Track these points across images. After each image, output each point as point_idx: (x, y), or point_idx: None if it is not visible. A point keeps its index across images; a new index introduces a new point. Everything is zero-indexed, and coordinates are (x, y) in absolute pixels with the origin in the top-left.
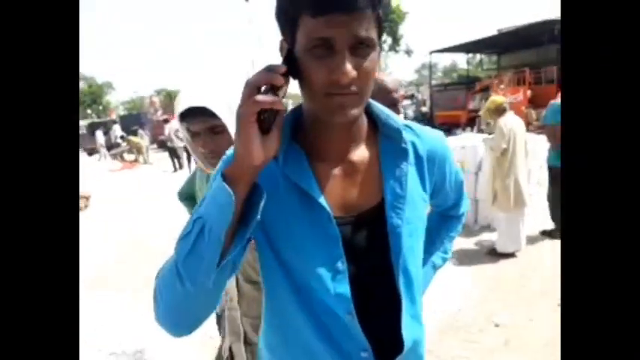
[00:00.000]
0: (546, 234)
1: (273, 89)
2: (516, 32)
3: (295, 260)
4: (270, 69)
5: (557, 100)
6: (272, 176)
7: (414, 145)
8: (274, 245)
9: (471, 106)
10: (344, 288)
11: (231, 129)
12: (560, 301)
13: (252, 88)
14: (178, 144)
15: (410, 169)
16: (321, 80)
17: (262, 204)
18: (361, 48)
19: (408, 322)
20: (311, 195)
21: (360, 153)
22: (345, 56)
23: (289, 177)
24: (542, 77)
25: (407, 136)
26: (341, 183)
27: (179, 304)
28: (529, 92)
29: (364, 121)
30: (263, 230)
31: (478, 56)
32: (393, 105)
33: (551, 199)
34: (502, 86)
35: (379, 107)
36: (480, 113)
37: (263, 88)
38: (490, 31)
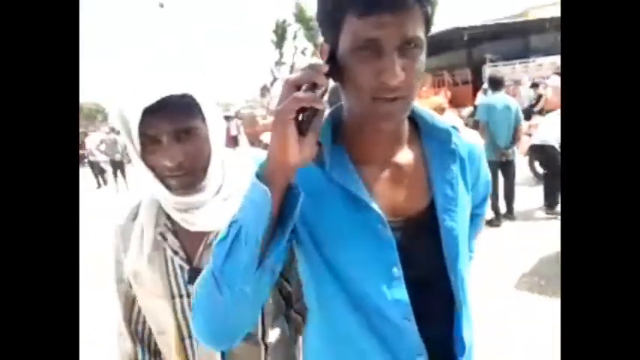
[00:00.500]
0: (487, 223)
1: (313, 89)
2: (430, 38)
3: (347, 267)
4: (312, 67)
5: (487, 100)
6: (317, 180)
7: (455, 145)
8: (323, 252)
9: None
10: (401, 294)
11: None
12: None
13: (292, 85)
14: (101, 157)
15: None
16: (369, 84)
17: (300, 204)
18: (410, 48)
19: (465, 326)
20: (362, 199)
21: (405, 155)
22: (393, 58)
23: (336, 181)
24: (458, 79)
25: (452, 137)
26: (388, 186)
27: (218, 313)
28: (449, 93)
29: (406, 121)
30: (310, 237)
31: None
32: None
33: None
34: (424, 88)
35: (420, 107)
36: None
37: (304, 87)
38: None
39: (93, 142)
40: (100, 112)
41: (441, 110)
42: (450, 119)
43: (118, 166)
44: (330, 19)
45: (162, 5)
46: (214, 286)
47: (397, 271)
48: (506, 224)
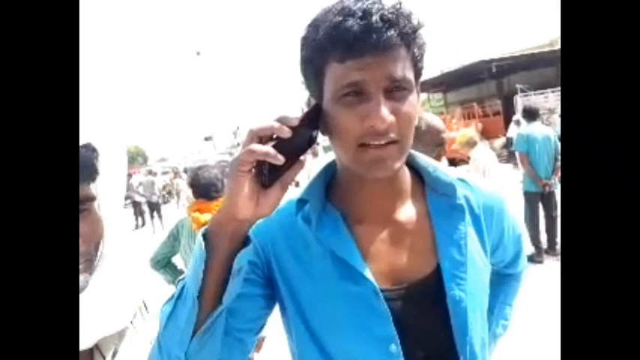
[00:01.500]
0: (528, 259)
1: (285, 143)
2: (458, 71)
3: (337, 342)
4: (280, 119)
5: (526, 130)
6: (304, 242)
7: (467, 200)
8: (310, 324)
9: None
10: None
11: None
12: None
13: (253, 135)
14: (140, 199)
15: (468, 229)
16: (354, 130)
17: (245, 252)
18: (397, 91)
19: None
20: (353, 266)
21: (406, 212)
22: (380, 101)
23: (325, 244)
24: (488, 111)
25: (460, 190)
26: (386, 249)
27: None
28: (480, 125)
29: (407, 173)
30: (295, 305)
31: (424, 95)
32: (441, 145)
33: (529, 221)
34: (454, 120)
35: (424, 158)
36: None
37: (274, 138)
38: (434, 72)
39: (134, 183)
40: (140, 154)
41: (472, 144)
42: (482, 154)
43: (155, 207)
44: (312, 67)
45: (198, 53)
46: (157, 351)
47: (395, 348)
48: (548, 261)
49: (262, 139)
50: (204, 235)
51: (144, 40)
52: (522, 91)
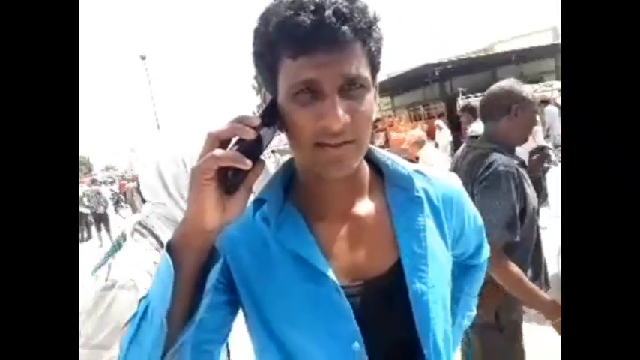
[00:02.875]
0: None
1: (247, 144)
2: (404, 75)
3: (299, 343)
4: (239, 120)
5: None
6: (263, 243)
7: (426, 192)
8: (270, 326)
9: (377, 144)
10: None
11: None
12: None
13: (213, 140)
14: (85, 210)
15: (427, 222)
16: (309, 129)
17: (216, 269)
18: (353, 89)
19: None
20: (314, 265)
21: (365, 207)
22: (335, 99)
23: (285, 244)
24: (433, 112)
25: (418, 183)
26: (346, 245)
27: None
28: (425, 126)
29: (366, 168)
30: (256, 308)
31: None
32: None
33: None
34: (402, 123)
35: (382, 152)
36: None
37: (233, 141)
38: (381, 76)
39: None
40: (83, 163)
41: (421, 144)
42: (431, 154)
43: (102, 218)
44: (265, 62)
45: (144, 57)
46: None
47: (358, 345)
48: None
49: (222, 143)
50: (169, 251)
51: (85, 43)
52: (463, 93)
